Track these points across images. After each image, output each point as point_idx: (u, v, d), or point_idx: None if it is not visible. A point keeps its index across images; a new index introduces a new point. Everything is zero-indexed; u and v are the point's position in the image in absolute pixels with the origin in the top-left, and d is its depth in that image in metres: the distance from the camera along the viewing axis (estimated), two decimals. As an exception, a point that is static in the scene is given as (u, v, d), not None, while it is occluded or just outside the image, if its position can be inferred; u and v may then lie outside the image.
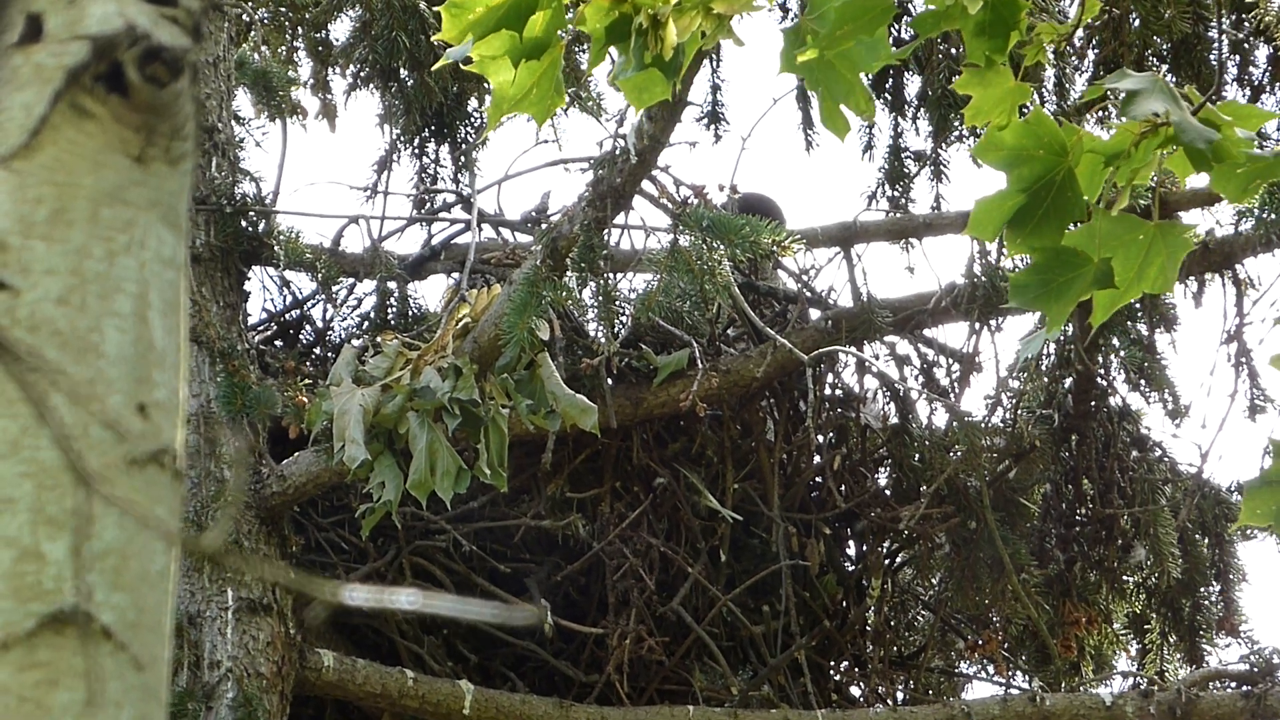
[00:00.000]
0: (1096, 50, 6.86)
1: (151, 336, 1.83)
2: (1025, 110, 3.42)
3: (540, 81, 3.29)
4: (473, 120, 7.40)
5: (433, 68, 7.01)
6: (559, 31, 3.24)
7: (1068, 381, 7.10)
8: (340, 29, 7.54)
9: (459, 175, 7.32)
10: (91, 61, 1.80)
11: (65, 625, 1.76)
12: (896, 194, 7.39)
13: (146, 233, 1.83)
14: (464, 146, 7.32)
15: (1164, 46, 7.05)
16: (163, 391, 1.82)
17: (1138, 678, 7.23)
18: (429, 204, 7.42)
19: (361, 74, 7.37)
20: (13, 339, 1.76)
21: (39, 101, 1.80)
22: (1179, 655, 7.30)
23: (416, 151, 7.39)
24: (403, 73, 7.29)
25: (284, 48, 7.67)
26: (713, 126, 7.28)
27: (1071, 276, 3.32)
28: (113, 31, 1.80)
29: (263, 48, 7.59)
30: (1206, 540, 7.24)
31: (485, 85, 7.44)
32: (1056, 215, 3.30)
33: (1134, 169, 3.27)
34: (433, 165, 7.41)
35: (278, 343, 7.20)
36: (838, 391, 7.19)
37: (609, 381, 6.66)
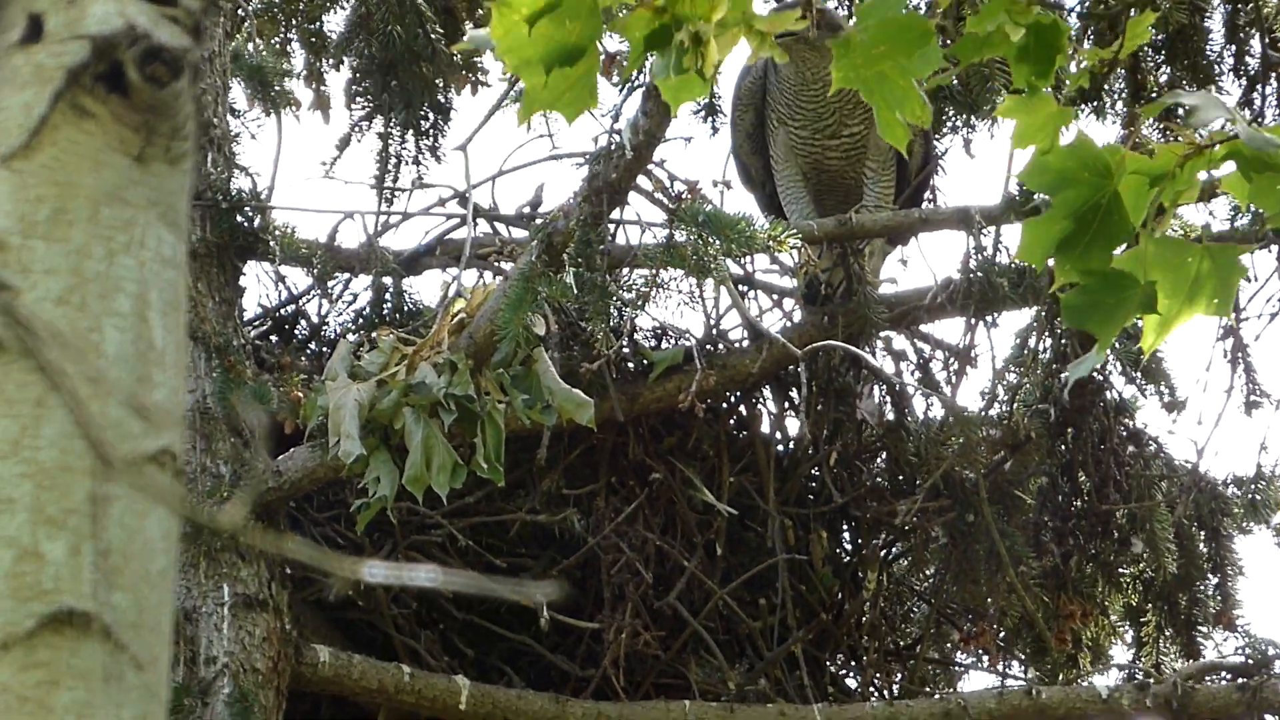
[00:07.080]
0: (1091, 39, 6.86)
1: (151, 336, 1.83)
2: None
3: (574, 87, 3.28)
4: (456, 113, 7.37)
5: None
6: (597, 41, 3.22)
7: (1064, 375, 7.09)
8: (335, 20, 7.52)
9: (466, 172, 7.25)
10: (92, 61, 1.80)
11: (65, 625, 1.76)
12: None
13: (146, 232, 1.83)
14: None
15: (1159, 37, 7.07)
16: (162, 391, 1.83)
17: (1134, 670, 7.23)
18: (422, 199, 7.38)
19: (356, 67, 7.35)
20: (29, 318, 1.76)
21: (39, 101, 1.80)
22: (1175, 648, 7.30)
23: (413, 151, 7.34)
24: (393, 67, 7.26)
25: (278, 39, 7.65)
26: (710, 119, 7.26)
27: (1120, 299, 3.36)
28: (113, 31, 1.80)
29: (256, 39, 7.57)
30: (1203, 534, 7.24)
31: (481, 78, 7.43)
32: (1104, 239, 3.34)
33: (1178, 190, 3.30)
34: (427, 158, 7.36)
35: (273, 338, 7.19)
36: (833, 387, 7.19)
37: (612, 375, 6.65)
